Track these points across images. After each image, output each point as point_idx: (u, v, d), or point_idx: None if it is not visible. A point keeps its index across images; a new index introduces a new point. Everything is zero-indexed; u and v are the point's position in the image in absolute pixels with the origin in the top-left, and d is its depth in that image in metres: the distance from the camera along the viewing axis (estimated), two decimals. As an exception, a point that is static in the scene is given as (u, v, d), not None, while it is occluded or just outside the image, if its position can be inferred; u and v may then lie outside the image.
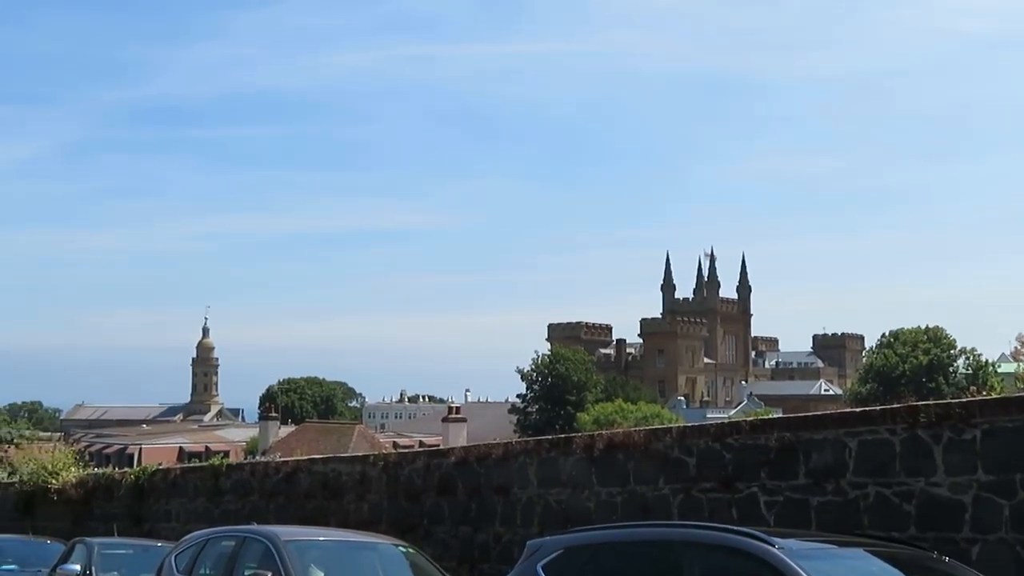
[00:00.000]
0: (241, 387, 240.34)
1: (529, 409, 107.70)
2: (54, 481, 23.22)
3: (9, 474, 38.89)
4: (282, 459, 17.10)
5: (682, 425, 10.65)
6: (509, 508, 11.98)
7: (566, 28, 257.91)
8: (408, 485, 13.78)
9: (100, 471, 24.13)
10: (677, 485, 10.35)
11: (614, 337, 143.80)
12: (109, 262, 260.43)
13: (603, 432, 11.47)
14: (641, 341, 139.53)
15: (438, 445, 54.92)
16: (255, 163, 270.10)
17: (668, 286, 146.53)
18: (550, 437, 11.98)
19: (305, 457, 17.03)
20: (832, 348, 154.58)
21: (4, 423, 54.84)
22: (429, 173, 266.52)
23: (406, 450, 15.95)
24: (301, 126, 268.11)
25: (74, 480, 22.79)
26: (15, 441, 51.37)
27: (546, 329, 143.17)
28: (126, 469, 21.64)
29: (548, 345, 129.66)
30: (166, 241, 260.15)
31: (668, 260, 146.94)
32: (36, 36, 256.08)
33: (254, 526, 12.17)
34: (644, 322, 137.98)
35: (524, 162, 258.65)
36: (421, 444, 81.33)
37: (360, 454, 16.35)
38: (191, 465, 20.79)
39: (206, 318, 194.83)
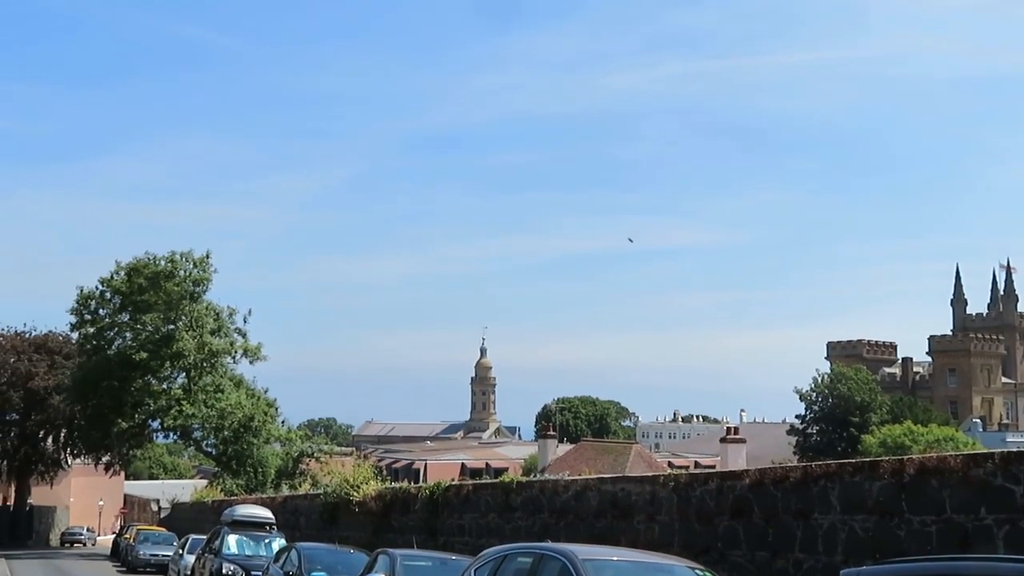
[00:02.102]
0: (517, 405, 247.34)
1: (809, 431, 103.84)
2: (356, 494, 24.66)
3: (313, 486, 41.84)
4: (571, 477, 17.28)
5: (1007, 451, 9.79)
6: (810, 534, 11.47)
7: (840, 35, 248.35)
8: (700, 507, 13.52)
9: (397, 485, 25.38)
10: (1001, 515, 9.53)
11: (899, 355, 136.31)
12: (394, 286, 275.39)
13: (913, 456, 10.76)
14: (930, 359, 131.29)
15: (714, 466, 54.04)
16: (528, 185, 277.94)
17: (959, 300, 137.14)
18: (853, 460, 11.38)
19: (594, 476, 17.11)
20: None
21: (305, 438, 58.72)
22: (699, 190, 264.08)
23: (697, 471, 15.62)
24: (571, 148, 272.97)
25: (374, 493, 24.09)
26: (315, 455, 54.86)
27: (825, 347, 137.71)
28: (421, 484, 22.60)
29: (827, 364, 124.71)
30: (446, 264, 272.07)
31: (958, 272, 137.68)
32: (322, 75, 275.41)
33: (549, 543, 12.31)
34: (933, 339, 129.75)
35: (798, 175, 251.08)
36: (697, 464, 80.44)
37: (650, 474, 16.25)
38: (483, 481, 21.43)
39: (483, 338, 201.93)
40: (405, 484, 24.75)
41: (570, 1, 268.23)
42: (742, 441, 50.72)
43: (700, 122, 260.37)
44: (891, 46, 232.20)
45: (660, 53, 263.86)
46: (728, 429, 52.96)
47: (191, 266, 53.11)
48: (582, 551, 10.74)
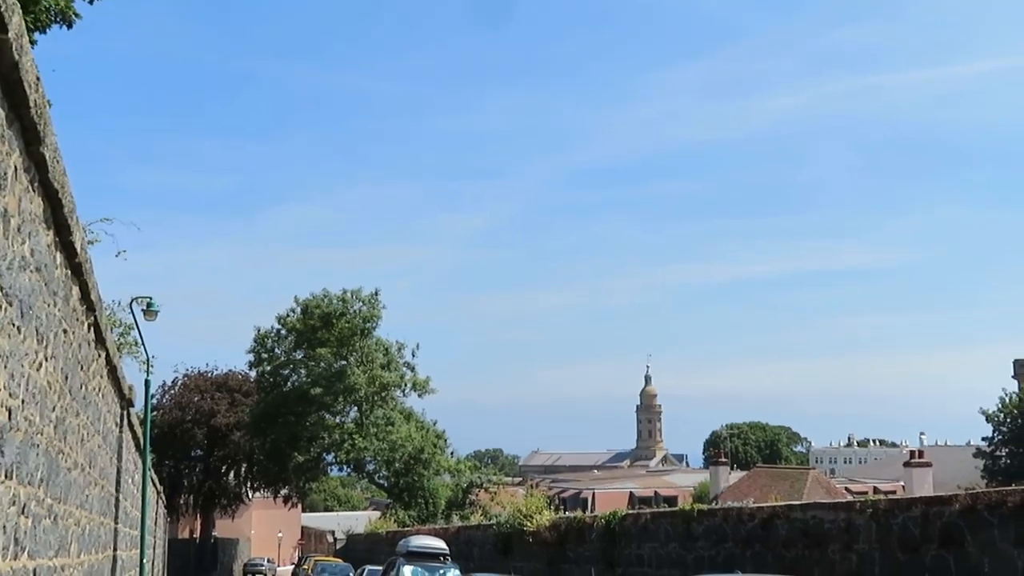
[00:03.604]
0: (683, 433, 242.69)
1: (998, 453, 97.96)
2: (529, 524, 24.35)
3: (484, 517, 41.83)
4: (756, 505, 16.45)
5: None
6: (1034, 564, 10.46)
7: (1013, 43, 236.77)
8: (903, 535, 12.57)
9: (571, 515, 24.96)
10: None
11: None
12: (560, 319, 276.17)
13: None
14: None
15: (895, 492, 51.38)
16: (691, 214, 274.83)
17: None
18: (1083, 483, 10.35)
19: (782, 503, 16.24)
20: None
21: (474, 469, 59.00)
22: (872, 210, 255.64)
23: (899, 496, 14.62)
24: (734, 174, 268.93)
25: (547, 523, 23.72)
26: (484, 486, 55.01)
27: (1011, 365, 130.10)
28: (596, 513, 22.08)
29: (1014, 383, 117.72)
30: (610, 296, 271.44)
31: None
32: (483, 115, 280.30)
33: (740, 574, 11.67)
34: None
35: (975, 189, 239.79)
36: (875, 490, 76.75)
37: (843, 500, 15.31)
38: (662, 510, 20.78)
39: (648, 367, 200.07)
40: (579, 514, 24.28)
41: (730, 26, 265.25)
42: (928, 465, 48.08)
43: (868, 140, 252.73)
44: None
45: (822, 73, 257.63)
46: (912, 452, 50.33)
47: (361, 304, 54.40)
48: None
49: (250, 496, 72.97)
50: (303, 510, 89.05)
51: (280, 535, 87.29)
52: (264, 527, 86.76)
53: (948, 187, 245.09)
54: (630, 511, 20.95)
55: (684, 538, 17.67)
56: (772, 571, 14.20)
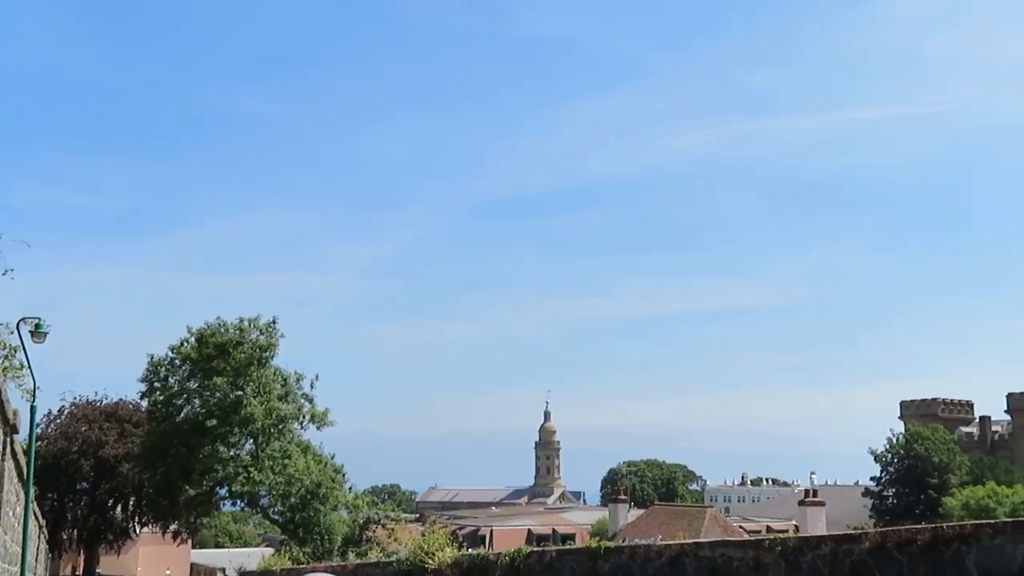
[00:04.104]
0: (580, 470, 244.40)
1: (885, 493, 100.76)
2: (431, 561, 23.77)
3: (381, 553, 40.97)
4: (664, 543, 16.29)
5: None
6: (943, 603, 10.47)
7: (904, 89, 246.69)
8: (812, 573, 12.53)
9: (475, 552, 24.47)
10: None
11: (976, 414, 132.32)
12: (461, 351, 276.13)
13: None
14: (1009, 418, 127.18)
15: (787, 530, 52.14)
16: (591, 248, 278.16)
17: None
18: (992, 522, 10.40)
19: (690, 541, 16.13)
20: None
21: (371, 505, 57.98)
22: (766, 249, 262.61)
23: (807, 535, 14.62)
24: (635, 209, 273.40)
25: (450, 560, 23.19)
26: (382, 522, 54.05)
27: (898, 407, 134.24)
28: (500, 551, 21.68)
29: (901, 424, 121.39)
30: (509, 329, 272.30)
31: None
32: (388, 144, 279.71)
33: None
34: (1012, 397, 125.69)
35: (866, 232, 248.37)
36: (769, 529, 78.02)
37: (753, 538, 15.25)
38: (567, 547, 20.50)
39: (547, 402, 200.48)
40: (483, 551, 23.85)
41: (634, 65, 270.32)
42: (821, 504, 49.07)
43: (765, 181, 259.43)
44: (955, 97, 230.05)
45: (725, 114, 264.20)
46: (806, 492, 51.31)
47: (258, 332, 53.08)
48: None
49: (137, 531, 70.45)
50: (193, 546, 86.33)
51: (168, 573, 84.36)
52: (151, 564, 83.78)
53: (838, 229, 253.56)
54: (535, 548, 20.61)
55: (590, 576, 17.40)
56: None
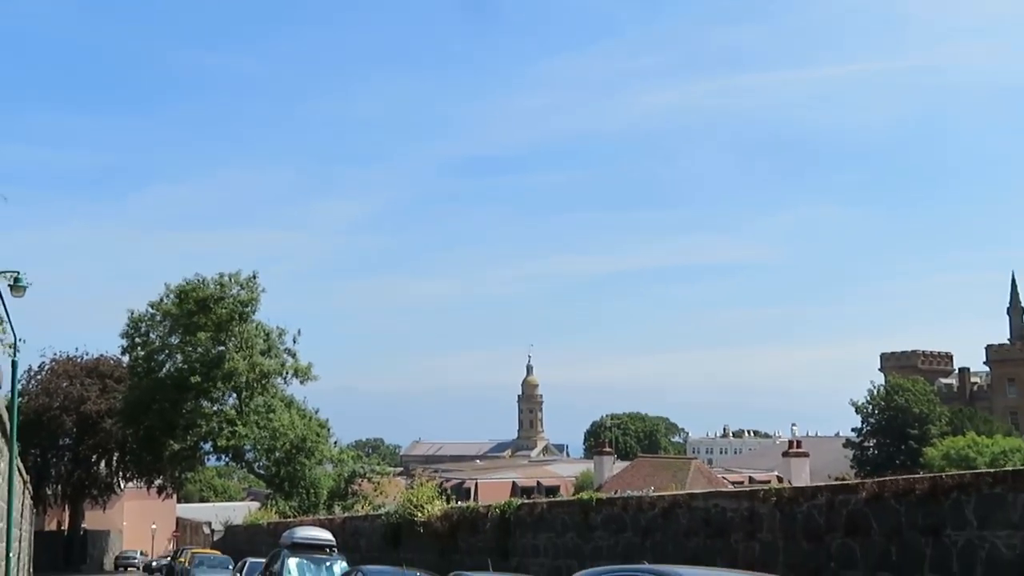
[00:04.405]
0: (563, 423, 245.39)
1: (866, 444, 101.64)
2: (420, 514, 23.74)
3: (368, 507, 41.03)
4: (657, 494, 16.20)
5: None
6: (942, 552, 10.38)
7: (881, 47, 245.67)
8: (808, 524, 12.45)
9: (464, 504, 24.47)
10: None
11: (955, 366, 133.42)
12: (440, 307, 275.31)
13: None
14: (987, 369, 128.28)
15: (770, 481, 52.45)
16: (570, 206, 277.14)
17: (1016, 309, 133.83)
18: (992, 471, 10.29)
19: (683, 492, 16.06)
20: None
21: (357, 458, 58.03)
22: (744, 207, 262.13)
23: (805, 485, 14.54)
24: (612, 167, 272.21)
25: (439, 513, 23.17)
26: (368, 475, 54.13)
27: (879, 359, 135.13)
28: (490, 503, 21.61)
29: (881, 376, 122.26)
30: (490, 286, 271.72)
31: (1014, 281, 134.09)
32: (361, 101, 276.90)
33: (646, 565, 11.35)
34: (990, 348, 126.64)
35: (844, 189, 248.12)
36: (752, 480, 78.59)
37: (747, 489, 15.18)
38: (559, 499, 20.46)
39: (529, 356, 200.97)
40: (472, 503, 23.79)
41: (609, 22, 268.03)
42: (805, 455, 49.25)
43: (742, 138, 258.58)
44: (932, 56, 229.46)
45: (701, 71, 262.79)
46: (790, 443, 51.46)
47: (239, 287, 52.70)
48: (687, 571, 9.84)
49: (122, 486, 70.40)
50: (178, 501, 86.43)
51: (154, 527, 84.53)
52: (137, 519, 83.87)
53: (816, 186, 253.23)
54: (525, 501, 20.55)
55: (582, 528, 17.35)
56: (674, 561, 13.97)
